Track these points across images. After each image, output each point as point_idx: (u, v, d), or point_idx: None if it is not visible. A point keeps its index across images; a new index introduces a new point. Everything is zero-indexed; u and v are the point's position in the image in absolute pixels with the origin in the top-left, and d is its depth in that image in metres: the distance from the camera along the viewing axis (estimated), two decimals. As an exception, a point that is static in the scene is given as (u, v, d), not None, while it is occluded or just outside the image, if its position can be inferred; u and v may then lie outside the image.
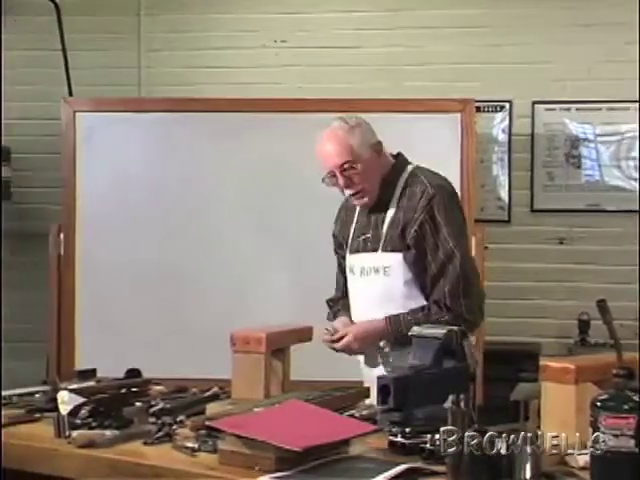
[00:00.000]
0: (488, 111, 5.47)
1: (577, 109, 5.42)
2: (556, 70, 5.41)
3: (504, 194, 5.50)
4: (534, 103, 5.45)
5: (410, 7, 5.57)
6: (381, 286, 3.06)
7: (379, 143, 3.08)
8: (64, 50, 5.57)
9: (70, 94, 5.47)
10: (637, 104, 5.27)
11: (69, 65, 5.57)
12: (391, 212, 3.06)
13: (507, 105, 5.48)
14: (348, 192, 3.07)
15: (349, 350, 3.09)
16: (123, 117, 4.84)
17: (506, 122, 5.49)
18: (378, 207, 3.10)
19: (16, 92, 5.66)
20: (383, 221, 3.07)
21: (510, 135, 5.49)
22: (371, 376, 3.05)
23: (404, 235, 3.01)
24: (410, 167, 3.13)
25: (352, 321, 3.19)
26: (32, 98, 5.76)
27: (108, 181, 4.81)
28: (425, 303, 3.02)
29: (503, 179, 5.51)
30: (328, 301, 3.35)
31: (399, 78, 5.50)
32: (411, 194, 3.04)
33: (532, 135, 5.47)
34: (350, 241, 3.20)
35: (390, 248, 3.04)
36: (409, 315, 2.99)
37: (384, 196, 3.08)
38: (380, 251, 3.07)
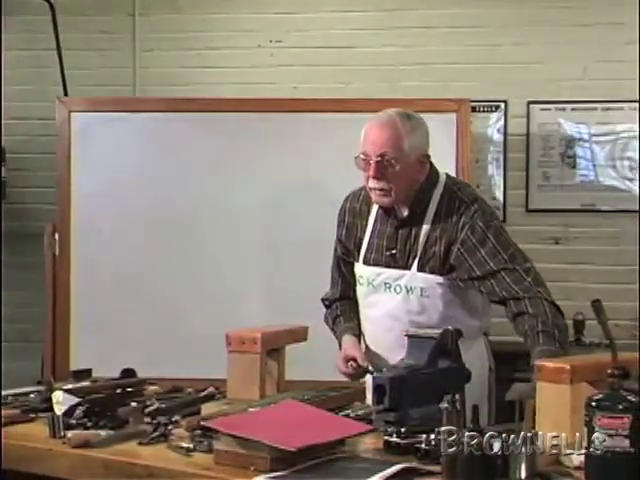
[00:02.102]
0: (483, 111, 5.47)
1: (572, 109, 5.42)
2: (551, 70, 5.41)
3: (499, 194, 5.51)
4: (529, 103, 5.45)
5: (405, 7, 5.57)
6: (416, 306, 2.93)
7: (427, 156, 2.93)
8: (59, 50, 5.56)
9: (65, 94, 5.46)
10: (632, 104, 5.27)
11: (64, 65, 5.55)
12: (426, 228, 2.92)
13: (502, 105, 5.48)
14: (373, 184, 2.88)
15: None
16: (118, 117, 4.83)
17: (501, 122, 5.49)
18: (410, 221, 2.96)
19: (11, 92, 5.65)
20: (417, 237, 2.93)
21: (505, 135, 5.50)
22: None
23: (447, 255, 2.88)
24: (442, 178, 2.98)
25: (358, 330, 3.12)
26: (27, 98, 5.75)
27: (103, 181, 4.80)
28: (464, 319, 2.93)
29: (498, 179, 5.51)
30: (323, 300, 3.28)
31: (394, 78, 5.50)
32: (449, 211, 2.90)
33: (527, 135, 5.47)
34: (364, 251, 3.06)
35: (428, 269, 2.92)
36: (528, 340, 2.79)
37: (416, 209, 2.94)
38: (415, 269, 2.93)
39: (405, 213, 2.95)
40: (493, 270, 2.85)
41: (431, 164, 2.98)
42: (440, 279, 2.91)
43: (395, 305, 2.96)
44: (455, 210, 2.89)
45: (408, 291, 2.94)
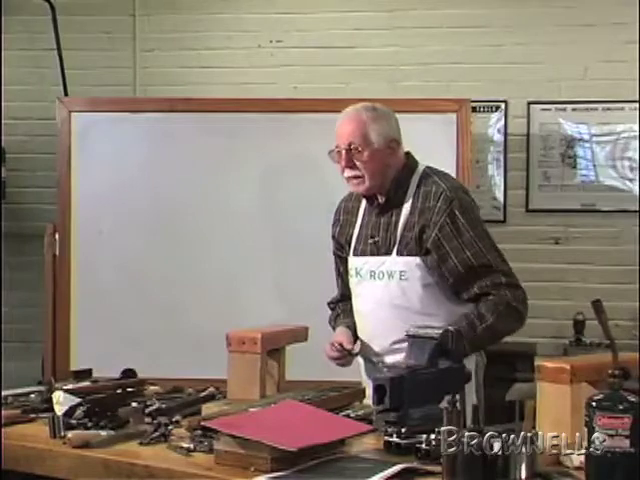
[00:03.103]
0: (484, 111, 5.47)
1: (572, 109, 5.42)
2: (551, 70, 5.41)
3: (499, 194, 5.51)
4: (529, 103, 5.45)
5: (405, 7, 5.57)
6: (397, 291, 2.99)
7: (395, 141, 3.04)
8: (59, 50, 5.56)
9: (65, 94, 5.46)
10: (632, 104, 5.27)
11: (64, 65, 5.56)
12: (405, 214, 3.00)
13: (502, 105, 5.48)
14: (346, 173, 3.01)
15: None
16: (118, 117, 4.83)
17: (502, 122, 5.49)
18: (388, 208, 3.05)
19: (11, 92, 5.65)
20: (396, 223, 3.02)
21: (506, 135, 5.50)
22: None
23: (422, 238, 2.95)
24: (421, 167, 3.08)
25: (354, 326, 3.15)
26: (27, 98, 5.76)
27: (103, 181, 4.80)
28: (445, 305, 2.97)
29: (498, 179, 5.51)
30: (329, 303, 3.32)
31: (394, 78, 5.51)
32: (426, 195, 2.98)
33: (527, 135, 5.47)
34: (354, 243, 3.13)
35: (406, 252, 2.98)
36: (464, 325, 2.87)
37: (395, 197, 3.03)
38: (395, 255, 3.00)
39: (382, 200, 3.06)
40: (466, 260, 2.93)
41: (410, 154, 3.10)
42: (418, 260, 2.97)
43: (378, 292, 3.03)
44: (432, 195, 2.97)
45: (389, 277, 3.00)
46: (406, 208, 3.00)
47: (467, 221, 2.95)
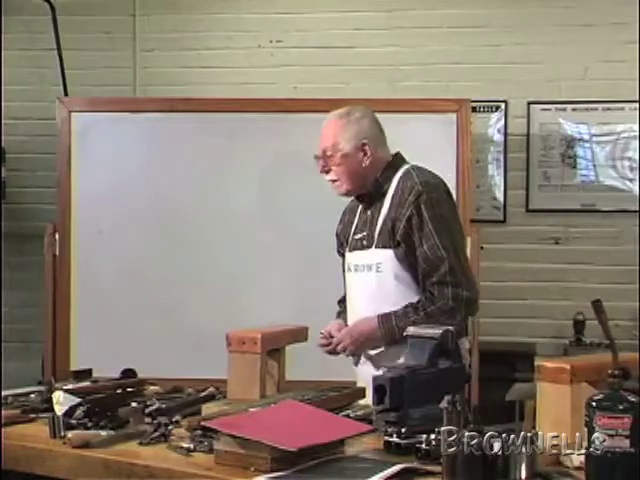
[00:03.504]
0: (484, 111, 5.47)
1: (572, 109, 5.42)
2: (551, 70, 5.42)
3: (499, 194, 5.51)
4: (529, 103, 5.45)
5: (405, 7, 5.57)
6: (374, 283, 3.10)
7: (365, 144, 3.11)
8: (59, 50, 5.57)
9: (65, 94, 5.47)
10: (632, 104, 5.27)
11: (64, 65, 5.56)
12: (384, 209, 3.10)
13: (502, 105, 5.49)
14: (326, 178, 3.16)
15: (347, 352, 3.13)
16: (118, 117, 4.84)
17: (502, 122, 5.49)
18: (372, 205, 3.16)
19: (11, 92, 5.66)
20: (377, 218, 3.12)
21: (506, 135, 5.50)
22: (361, 374, 3.12)
23: (394, 231, 3.05)
24: (406, 166, 3.15)
25: (346, 321, 3.22)
26: (27, 98, 5.76)
27: (103, 181, 4.81)
28: (417, 297, 3.05)
29: (498, 179, 5.51)
30: (339, 302, 3.39)
31: (394, 78, 5.51)
32: (402, 191, 3.08)
33: (527, 135, 5.47)
34: (350, 240, 3.24)
35: (382, 245, 3.08)
36: (399, 312, 3.02)
37: (377, 194, 3.14)
38: (373, 248, 3.11)
39: (365, 198, 3.18)
40: (423, 253, 3.02)
41: (397, 155, 3.19)
42: (391, 252, 3.06)
43: (360, 284, 3.15)
44: (407, 190, 3.06)
45: (369, 269, 3.12)
46: (386, 203, 3.11)
47: (430, 215, 3.02)
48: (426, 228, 3.01)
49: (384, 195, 3.12)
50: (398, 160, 3.18)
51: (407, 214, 3.02)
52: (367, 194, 3.16)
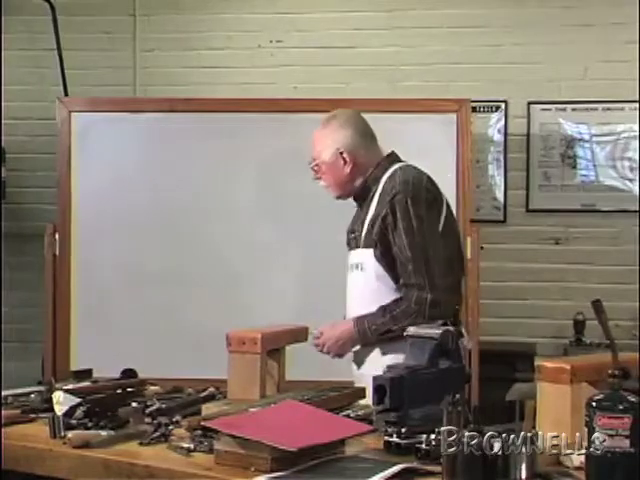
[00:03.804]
0: (484, 111, 5.47)
1: (573, 109, 5.42)
2: (552, 70, 5.42)
3: (500, 194, 5.51)
4: (530, 103, 5.45)
5: (405, 7, 5.58)
6: (361, 282, 3.15)
7: (342, 152, 3.17)
8: (59, 50, 5.57)
9: (65, 94, 5.47)
10: (632, 104, 5.27)
11: (64, 65, 5.56)
12: (371, 210, 3.14)
13: (503, 105, 5.49)
14: (319, 184, 3.26)
15: (335, 355, 3.19)
16: (118, 117, 4.84)
17: (502, 122, 5.50)
18: (362, 205, 3.22)
19: (11, 92, 5.66)
20: (364, 219, 3.16)
21: (506, 135, 5.50)
22: (357, 374, 3.17)
23: (373, 230, 3.10)
24: (396, 166, 3.17)
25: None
26: (27, 98, 5.76)
27: (103, 181, 4.80)
28: (395, 296, 3.08)
29: (499, 179, 5.51)
30: None
31: (395, 78, 5.51)
32: (385, 191, 3.12)
33: (528, 135, 5.47)
34: (348, 239, 3.31)
35: (366, 244, 3.13)
36: (372, 314, 3.07)
37: (367, 195, 3.18)
38: (360, 248, 3.16)
39: (358, 198, 3.24)
40: (396, 254, 3.06)
41: (390, 155, 3.22)
42: (371, 251, 3.11)
43: (350, 283, 3.23)
44: (388, 190, 3.11)
45: (355, 268, 3.19)
46: (373, 204, 3.15)
47: (402, 215, 3.05)
48: (398, 228, 3.05)
49: (373, 195, 3.16)
50: (389, 160, 3.21)
51: (383, 214, 3.07)
52: (358, 195, 3.22)
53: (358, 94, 5.29)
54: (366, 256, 3.13)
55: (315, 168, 3.24)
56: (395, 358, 2.96)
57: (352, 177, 3.19)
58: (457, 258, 3.20)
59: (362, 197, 3.21)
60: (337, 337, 3.14)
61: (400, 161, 3.22)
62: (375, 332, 3.07)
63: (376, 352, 3.13)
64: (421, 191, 3.09)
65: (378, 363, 3.03)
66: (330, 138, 3.20)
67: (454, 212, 3.36)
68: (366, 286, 3.14)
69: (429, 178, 3.15)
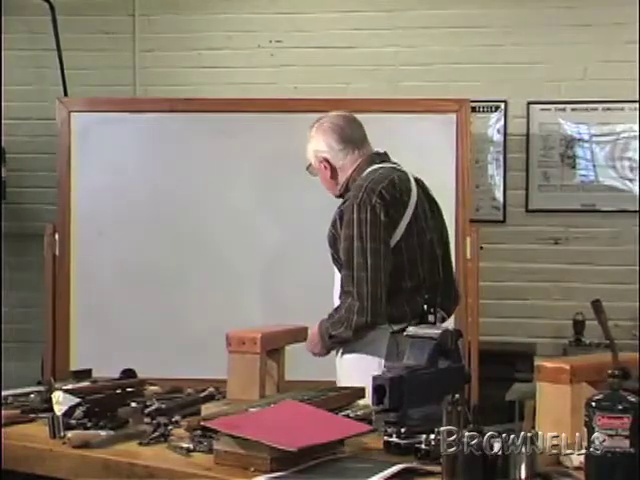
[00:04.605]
0: (483, 111, 5.47)
1: (572, 109, 5.42)
2: (551, 70, 5.42)
3: (499, 194, 5.51)
4: (529, 103, 5.45)
5: (405, 7, 5.57)
6: (335, 280, 3.23)
7: (322, 160, 3.26)
8: (59, 50, 5.57)
9: (65, 94, 5.47)
10: (632, 104, 5.27)
11: (64, 65, 5.56)
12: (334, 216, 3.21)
13: (502, 105, 5.49)
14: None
15: (318, 355, 3.23)
16: (118, 117, 4.84)
17: (501, 122, 5.49)
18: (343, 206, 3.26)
19: (11, 92, 5.66)
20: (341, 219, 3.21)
21: (505, 135, 5.50)
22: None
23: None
24: (371, 168, 3.20)
25: None
26: (27, 98, 5.76)
27: (103, 181, 4.80)
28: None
29: (498, 179, 5.51)
30: None
31: (394, 78, 5.51)
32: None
33: (527, 135, 5.47)
34: None
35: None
36: (326, 318, 3.13)
37: (344, 196, 3.23)
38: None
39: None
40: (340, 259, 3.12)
41: (371, 155, 3.24)
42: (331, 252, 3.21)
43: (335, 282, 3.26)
44: (346, 195, 3.19)
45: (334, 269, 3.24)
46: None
47: (346, 220, 3.09)
48: (342, 233, 3.10)
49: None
50: (368, 161, 3.23)
51: (332, 219, 3.17)
52: (342, 196, 3.26)
53: (358, 94, 5.29)
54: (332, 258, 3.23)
55: (310, 169, 3.36)
56: (350, 359, 3.15)
57: (335, 180, 3.27)
58: (427, 261, 3.17)
59: (342, 198, 3.27)
60: (310, 339, 3.17)
61: (383, 161, 3.23)
62: (327, 336, 3.13)
63: (339, 353, 3.21)
64: (371, 196, 3.06)
65: (339, 364, 3.22)
66: (313, 145, 3.31)
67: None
68: (335, 287, 3.22)
69: (392, 182, 3.12)
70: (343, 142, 3.26)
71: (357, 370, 3.05)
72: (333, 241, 3.16)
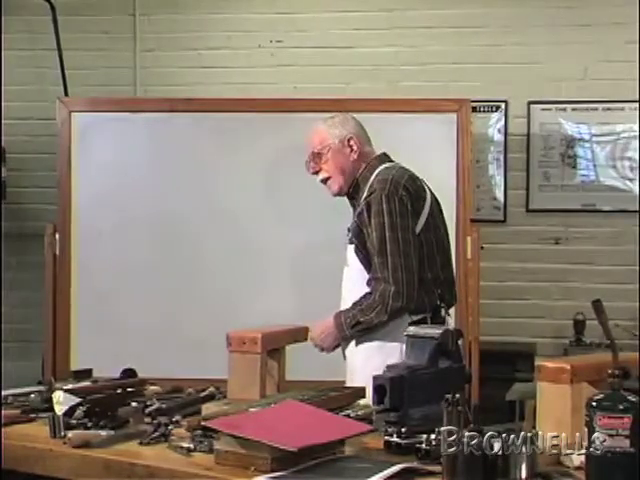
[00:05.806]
0: (484, 111, 5.47)
1: (573, 109, 5.42)
2: (552, 70, 5.42)
3: (500, 194, 5.51)
4: (530, 103, 5.45)
5: (405, 7, 5.57)
6: (347, 277, 3.30)
7: (350, 139, 3.29)
8: (59, 50, 5.56)
9: (66, 94, 5.47)
10: (632, 104, 5.27)
11: (64, 65, 5.56)
12: (358, 208, 3.25)
13: (503, 105, 5.49)
14: (318, 179, 3.33)
15: (322, 348, 3.28)
16: (119, 117, 4.83)
17: (502, 122, 5.49)
18: (354, 204, 3.31)
19: (11, 92, 5.66)
20: (354, 217, 3.28)
21: (506, 135, 5.50)
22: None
23: (354, 227, 3.24)
24: (383, 166, 3.26)
25: None
26: (27, 98, 5.76)
27: (103, 181, 4.80)
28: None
29: (499, 179, 5.51)
30: None
31: (395, 78, 5.51)
32: (369, 191, 3.21)
33: (528, 135, 5.47)
34: None
35: (349, 240, 3.27)
36: (348, 308, 3.18)
37: (358, 193, 3.27)
38: (348, 244, 3.29)
39: (350, 197, 3.34)
40: (369, 249, 3.17)
41: (380, 155, 3.31)
42: (352, 247, 3.26)
43: (344, 279, 3.34)
44: (369, 189, 3.21)
45: (346, 265, 3.31)
46: (361, 202, 3.24)
47: (375, 211, 3.15)
48: (371, 223, 3.15)
49: (362, 194, 3.24)
50: (379, 160, 3.30)
51: (359, 211, 3.20)
52: (350, 193, 3.31)
53: (358, 94, 5.28)
54: (350, 252, 3.26)
55: (316, 160, 3.32)
56: (369, 347, 3.17)
57: (355, 167, 3.29)
58: (441, 256, 3.26)
59: (353, 196, 3.31)
60: (321, 331, 3.22)
61: (390, 162, 3.30)
62: (348, 325, 3.17)
63: (352, 344, 3.24)
64: (398, 188, 3.17)
65: (354, 354, 3.23)
66: (339, 126, 3.31)
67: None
68: (349, 280, 3.27)
69: (412, 177, 3.23)
70: (364, 130, 3.36)
71: (378, 355, 3.09)
72: (358, 232, 3.20)
